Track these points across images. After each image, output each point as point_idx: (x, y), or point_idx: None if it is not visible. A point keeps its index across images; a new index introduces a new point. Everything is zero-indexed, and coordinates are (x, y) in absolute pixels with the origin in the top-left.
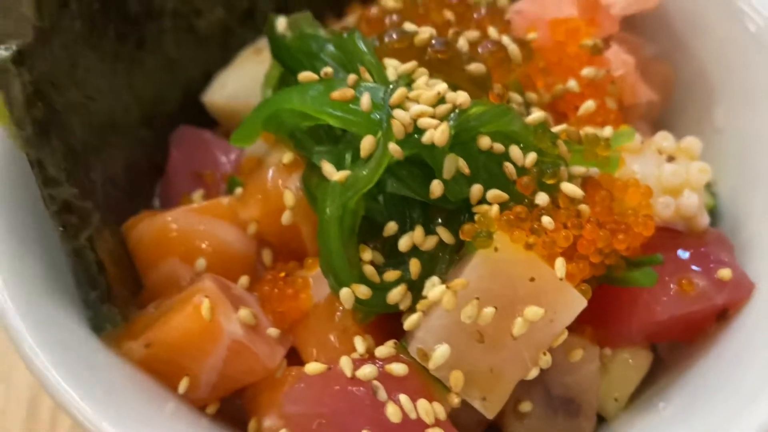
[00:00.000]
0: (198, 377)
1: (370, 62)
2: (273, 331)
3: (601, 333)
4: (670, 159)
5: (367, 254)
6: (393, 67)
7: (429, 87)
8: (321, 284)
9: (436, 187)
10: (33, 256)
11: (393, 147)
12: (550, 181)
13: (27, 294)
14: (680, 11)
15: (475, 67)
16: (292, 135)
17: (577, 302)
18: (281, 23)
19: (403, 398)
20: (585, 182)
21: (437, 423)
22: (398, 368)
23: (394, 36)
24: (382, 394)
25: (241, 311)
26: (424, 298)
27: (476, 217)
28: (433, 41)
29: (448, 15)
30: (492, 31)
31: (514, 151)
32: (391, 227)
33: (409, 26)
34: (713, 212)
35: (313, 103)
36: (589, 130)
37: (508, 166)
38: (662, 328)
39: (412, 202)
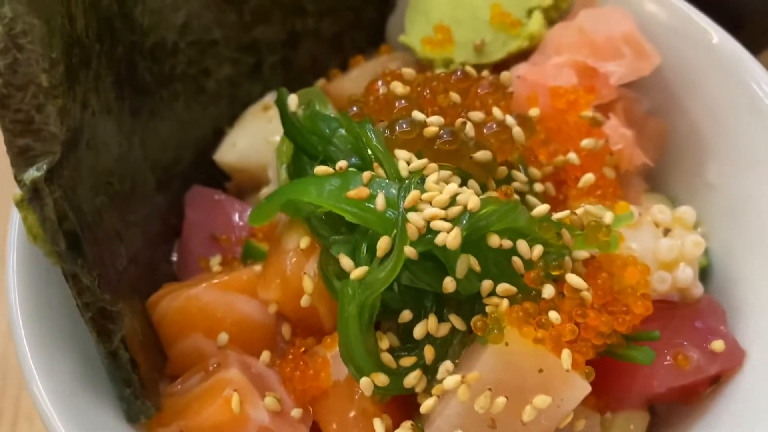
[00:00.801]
0: None
1: (382, 156)
2: (296, 412)
3: (602, 400)
4: (666, 231)
5: (384, 342)
6: (404, 160)
7: (440, 186)
8: (339, 363)
9: (449, 284)
10: (67, 352)
11: (408, 250)
12: (555, 273)
13: (61, 390)
14: (674, 69)
15: (482, 155)
16: (308, 220)
17: (582, 388)
18: (293, 101)
19: None
20: (586, 263)
21: None
22: None
23: (404, 126)
24: None
25: (267, 399)
26: (439, 382)
27: (488, 310)
28: (442, 132)
29: (454, 97)
30: (496, 112)
31: (522, 245)
32: (406, 315)
33: (417, 115)
34: (705, 270)
35: (330, 199)
36: (590, 209)
37: (516, 261)
38: (659, 396)
39: (425, 292)
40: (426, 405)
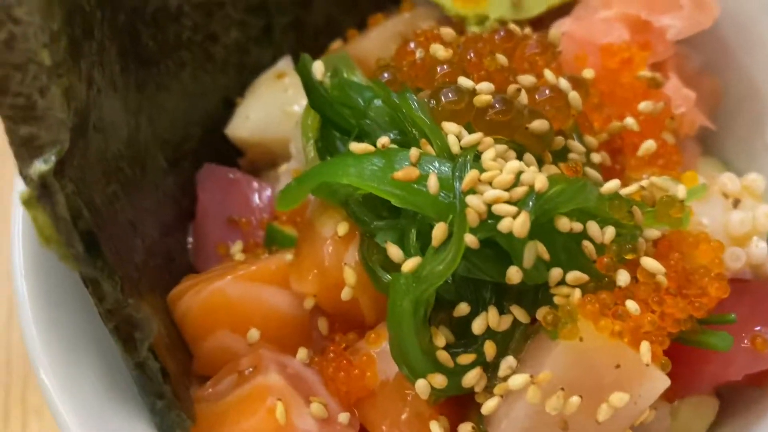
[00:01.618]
0: None
1: (429, 130)
2: (344, 417)
3: (671, 388)
4: (736, 202)
5: (440, 339)
6: (453, 134)
7: (498, 163)
8: (386, 360)
9: (514, 274)
10: (88, 363)
11: (469, 238)
12: (629, 257)
13: (86, 409)
14: (730, 21)
15: (539, 124)
16: (345, 204)
17: (661, 382)
18: (318, 69)
19: None
20: (656, 243)
21: None
22: None
23: (451, 96)
24: None
25: (312, 405)
26: (500, 379)
27: (556, 300)
28: (494, 101)
29: (501, 60)
30: (548, 74)
31: (592, 227)
32: (463, 308)
33: (464, 82)
34: None
35: (373, 181)
36: (656, 182)
37: (588, 246)
38: (733, 382)
39: (483, 282)
40: (488, 406)
